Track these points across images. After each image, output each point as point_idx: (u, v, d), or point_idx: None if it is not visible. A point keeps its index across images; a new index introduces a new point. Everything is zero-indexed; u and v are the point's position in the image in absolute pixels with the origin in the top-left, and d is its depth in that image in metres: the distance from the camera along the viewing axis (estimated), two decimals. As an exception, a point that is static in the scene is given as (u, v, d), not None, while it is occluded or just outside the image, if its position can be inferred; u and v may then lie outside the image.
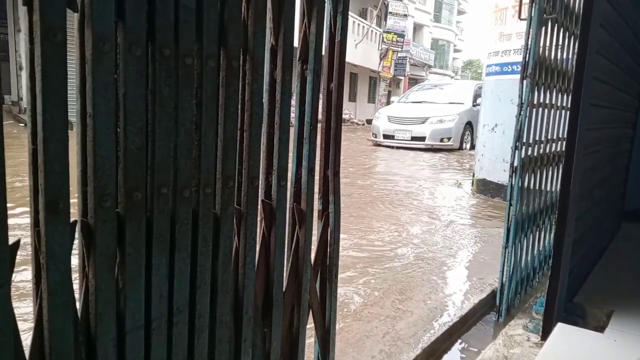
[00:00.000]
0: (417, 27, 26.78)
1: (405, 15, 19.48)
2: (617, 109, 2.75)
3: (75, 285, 0.64)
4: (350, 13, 17.49)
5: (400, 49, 19.51)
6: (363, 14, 19.55)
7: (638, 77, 3.23)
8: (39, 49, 0.55)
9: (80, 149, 0.63)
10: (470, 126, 10.36)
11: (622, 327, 1.97)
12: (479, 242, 3.37)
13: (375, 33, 19.39)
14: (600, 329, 2.03)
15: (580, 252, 2.31)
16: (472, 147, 9.66)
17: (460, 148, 10.20)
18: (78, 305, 0.65)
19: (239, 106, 0.83)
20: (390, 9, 18.99)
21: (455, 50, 35.52)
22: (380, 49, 19.11)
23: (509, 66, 4.93)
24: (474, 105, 10.27)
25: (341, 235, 1.14)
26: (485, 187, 5.24)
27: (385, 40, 18.99)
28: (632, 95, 3.22)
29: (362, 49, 17.69)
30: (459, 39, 36.17)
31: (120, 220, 0.66)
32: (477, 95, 10.14)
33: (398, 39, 19.11)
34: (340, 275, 2.50)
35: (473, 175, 5.57)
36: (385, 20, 19.26)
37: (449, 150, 9.99)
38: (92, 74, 0.60)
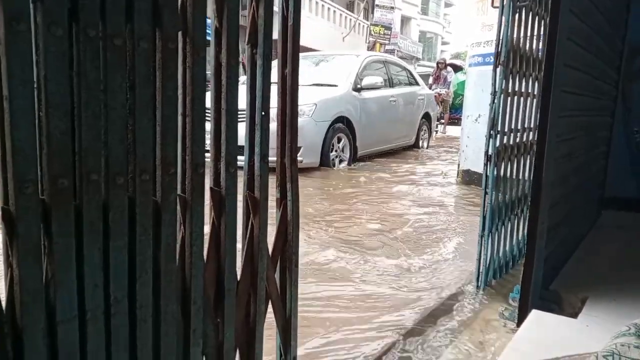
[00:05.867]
0: (405, 20, 26.76)
1: (392, 8, 19.45)
2: (593, 97, 2.75)
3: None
4: (337, 6, 17.46)
5: (387, 42, 19.48)
6: (350, 7, 19.47)
7: (615, 65, 3.24)
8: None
9: (-1, 134, 0.61)
10: (349, 126, 5.74)
11: (595, 313, 1.98)
12: (461, 232, 3.38)
13: (363, 26, 19.33)
14: (575, 315, 2.04)
15: (556, 239, 2.32)
16: (355, 160, 5.85)
17: (325, 165, 5.34)
18: (3, 296, 0.63)
19: (182, 90, 0.81)
20: (377, 2, 18.94)
21: (443, 43, 35.56)
22: (367, 42, 19.06)
23: (492, 57, 4.92)
24: (357, 90, 5.98)
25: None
26: (469, 178, 5.26)
27: (372, 33, 18.95)
28: (610, 84, 3.23)
29: (349, 42, 17.63)
30: (446, 32, 36.20)
31: (45, 207, 0.63)
32: (363, 75, 6.20)
33: (385, 31, 19.07)
34: (323, 267, 2.50)
35: (458, 167, 5.59)
36: (373, 13, 19.20)
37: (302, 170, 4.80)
38: (5, 55, 0.57)
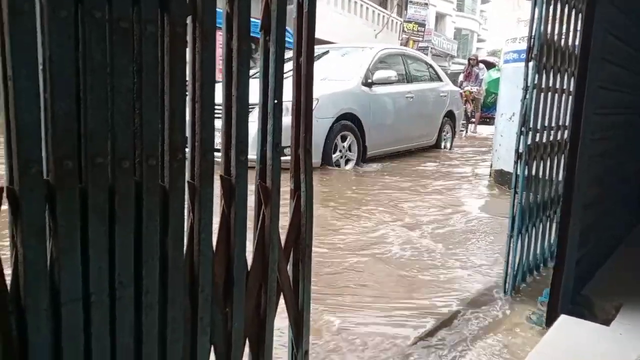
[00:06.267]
0: (440, 17, 26.30)
1: (426, 4, 19.13)
2: (633, 94, 2.61)
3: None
4: (370, 2, 17.31)
5: (421, 39, 19.19)
6: (383, 4, 19.28)
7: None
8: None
9: (5, 113, 0.61)
10: (357, 124, 5.26)
11: (629, 321, 1.88)
12: (492, 233, 3.28)
13: (396, 23, 19.12)
14: (608, 322, 1.95)
15: (589, 242, 2.22)
16: (364, 160, 5.42)
17: (327, 164, 4.90)
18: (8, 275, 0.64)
19: (192, 76, 0.80)
20: (410, -2, 18.70)
21: (479, 40, 34.74)
22: (400, 38, 18.84)
23: (527, 52, 4.76)
24: (367, 85, 5.47)
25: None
26: (502, 178, 5.10)
27: (405, 30, 18.71)
28: (653, 80, 3.06)
29: (382, 39, 17.46)
30: (482, 29, 35.33)
31: (50, 189, 0.64)
32: (375, 68, 5.67)
33: (419, 28, 18.80)
34: (351, 262, 2.47)
35: (490, 167, 5.44)
36: (406, 9, 18.96)
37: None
38: (9, 35, 0.57)
